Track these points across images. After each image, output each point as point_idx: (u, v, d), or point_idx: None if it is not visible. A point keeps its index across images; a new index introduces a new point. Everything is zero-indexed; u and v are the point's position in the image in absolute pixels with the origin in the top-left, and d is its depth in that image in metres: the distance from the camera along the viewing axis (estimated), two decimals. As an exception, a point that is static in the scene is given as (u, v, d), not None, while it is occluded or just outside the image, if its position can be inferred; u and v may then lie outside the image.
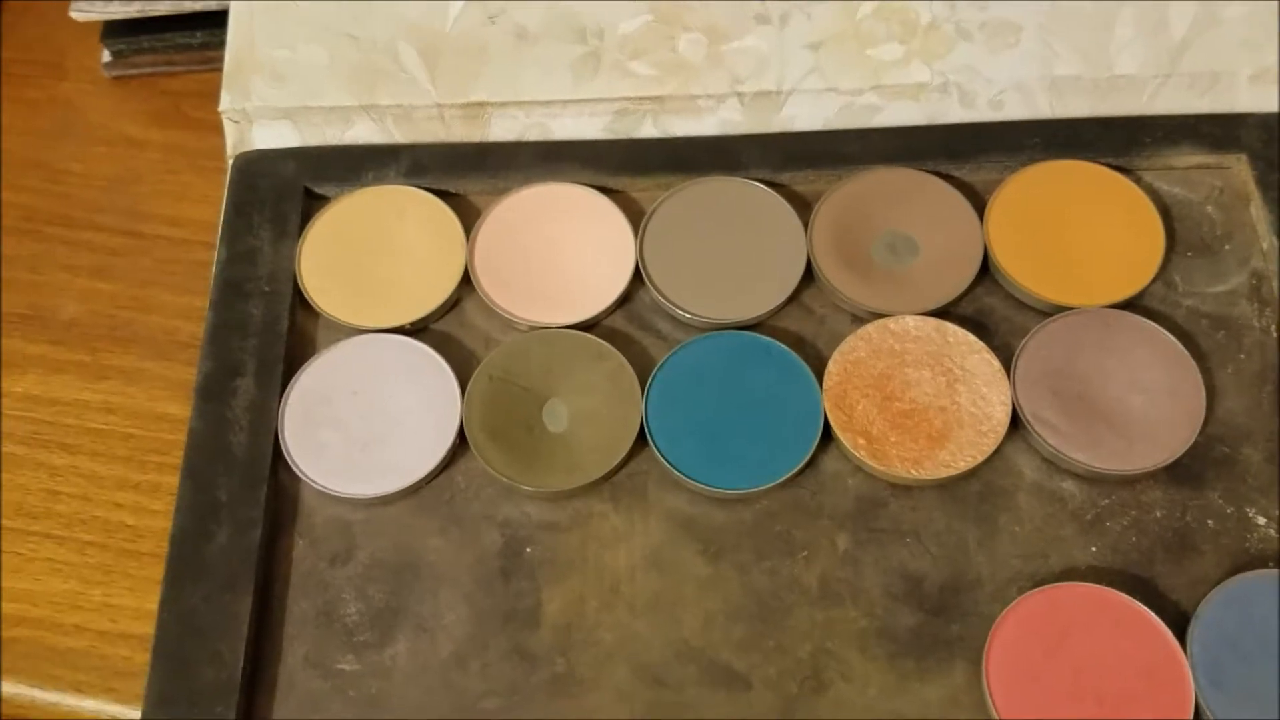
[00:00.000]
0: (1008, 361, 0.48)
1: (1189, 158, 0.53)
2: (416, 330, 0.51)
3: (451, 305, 0.51)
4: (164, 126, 0.61)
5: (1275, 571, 0.44)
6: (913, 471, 0.46)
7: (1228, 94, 0.54)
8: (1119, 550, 0.46)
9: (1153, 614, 0.43)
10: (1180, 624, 0.43)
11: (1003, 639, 0.43)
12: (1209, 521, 0.46)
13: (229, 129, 0.55)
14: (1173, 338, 0.48)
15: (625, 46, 0.55)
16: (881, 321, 0.49)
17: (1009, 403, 0.47)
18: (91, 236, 0.57)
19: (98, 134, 0.61)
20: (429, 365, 0.49)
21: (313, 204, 0.53)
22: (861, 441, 0.47)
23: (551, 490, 0.47)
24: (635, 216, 0.53)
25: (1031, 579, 0.45)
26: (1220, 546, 0.46)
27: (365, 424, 0.48)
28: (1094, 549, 0.46)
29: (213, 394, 0.48)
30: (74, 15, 0.59)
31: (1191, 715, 0.42)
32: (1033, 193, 0.52)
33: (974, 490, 0.47)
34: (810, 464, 0.47)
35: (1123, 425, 0.47)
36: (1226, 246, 0.52)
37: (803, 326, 0.51)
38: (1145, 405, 0.47)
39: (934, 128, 0.54)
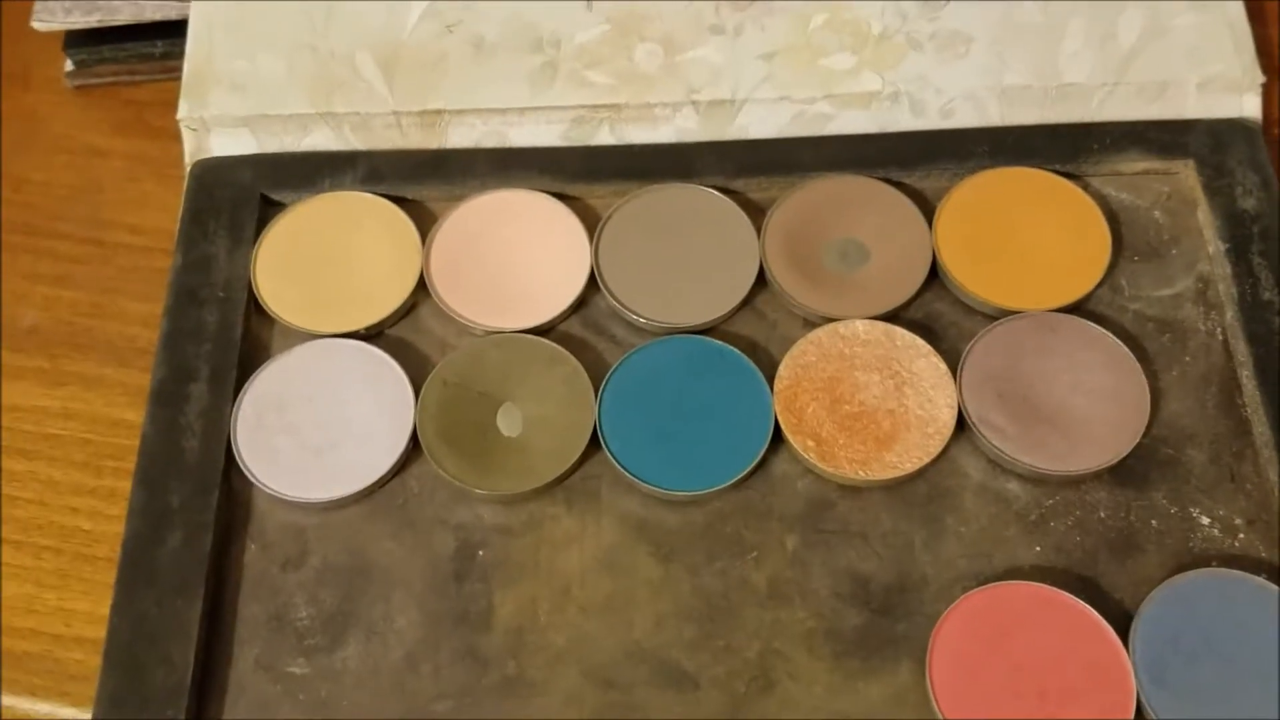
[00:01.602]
0: (955, 365, 0.49)
1: (1136, 164, 0.54)
2: (371, 336, 0.51)
3: (407, 310, 0.52)
4: (126, 135, 0.61)
5: (1218, 571, 0.45)
6: (860, 473, 0.47)
7: (1176, 102, 0.55)
8: (1063, 550, 0.46)
9: (1095, 612, 0.44)
10: (1123, 623, 0.44)
11: (946, 637, 0.44)
12: (1153, 521, 0.47)
13: (187, 137, 0.55)
14: (1117, 340, 0.49)
15: (582, 56, 0.56)
16: (832, 326, 0.50)
17: (955, 405, 0.48)
18: (54, 245, 0.58)
19: (61, 143, 0.61)
20: (383, 370, 0.50)
21: (269, 211, 0.54)
22: (811, 444, 0.47)
23: (505, 494, 0.47)
24: (591, 222, 0.53)
25: (976, 578, 0.46)
26: (1164, 546, 0.46)
27: (318, 429, 0.48)
28: (1038, 549, 0.46)
29: (166, 400, 0.49)
30: (35, 26, 0.59)
31: (1133, 713, 0.42)
32: (980, 199, 0.52)
33: (921, 491, 0.48)
34: (761, 466, 0.48)
35: (1067, 427, 0.47)
36: (1173, 251, 0.52)
37: (755, 331, 0.51)
38: (1090, 407, 0.48)
39: (884, 136, 0.54)
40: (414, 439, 0.48)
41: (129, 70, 0.61)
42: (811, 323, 0.51)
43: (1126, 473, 0.47)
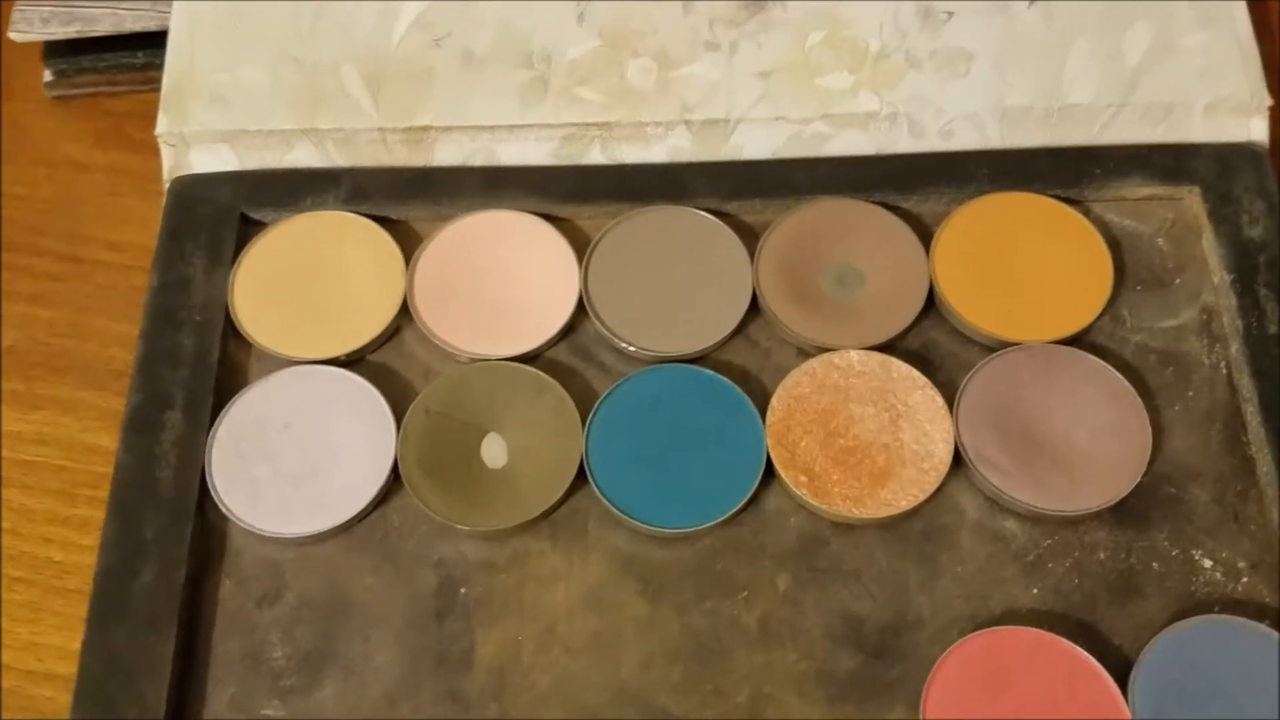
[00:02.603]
0: (951, 398, 0.47)
1: (1140, 189, 0.52)
2: (352, 361, 0.50)
3: (390, 335, 0.51)
4: (106, 148, 0.60)
5: (1221, 617, 0.44)
6: (854, 510, 0.46)
7: (1182, 124, 0.54)
8: (1061, 592, 0.45)
9: (1094, 660, 0.42)
10: (1123, 670, 0.43)
11: (941, 683, 0.43)
12: (1154, 564, 0.45)
13: (166, 152, 0.54)
14: (1119, 375, 0.48)
15: (573, 72, 0.54)
16: (826, 356, 0.49)
17: (952, 440, 0.46)
18: (31, 261, 0.56)
19: (40, 155, 0.60)
20: (364, 398, 0.48)
21: (249, 230, 0.52)
22: (803, 479, 0.46)
23: (488, 529, 0.46)
24: (581, 245, 0.52)
25: (972, 621, 0.44)
26: (1165, 590, 0.45)
27: (297, 459, 0.47)
28: (1036, 591, 0.45)
29: (141, 427, 0.47)
30: (12, 36, 0.58)
31: (1132, 764, 0.41)
32: (980, 225, 0.51)
33: (916, 529, 0.46)
34: (752, 502, 0.46)
35: (1066, 464, 0.46)
36: (1177, 280, 0.51)
37: (748, 360, 0.50)
38: (1090, 444, 0.46)
39: (882, 158, 0.53)
40: (395, 470, 0.47)
41: (109, 81, 0.60)
42: (806, 352, 0.49)
43: (1127, 512, 0.46)
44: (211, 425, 0.48)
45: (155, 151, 0.55)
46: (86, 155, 0.59)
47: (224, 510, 0.46)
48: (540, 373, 0.49)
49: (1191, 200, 0.52)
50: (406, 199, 0.53)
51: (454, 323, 0.50)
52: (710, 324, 0.50)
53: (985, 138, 0.53)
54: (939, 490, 0.46)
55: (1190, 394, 0.49)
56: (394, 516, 0.47)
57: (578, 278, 0.51)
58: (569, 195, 0.53)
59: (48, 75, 0.60)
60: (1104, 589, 0.45)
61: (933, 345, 0.50)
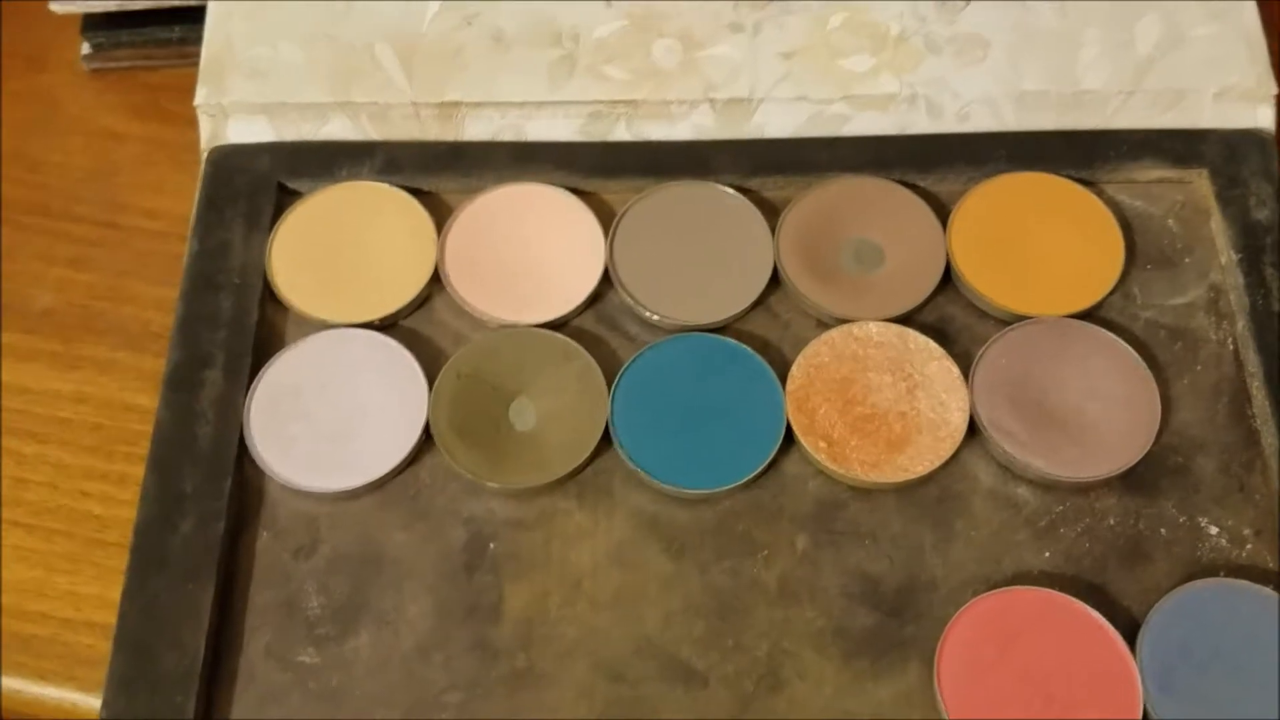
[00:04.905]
0: (967, 369, 0.49)
1: (1151, 172, 0.54)
2: (386, 326, 0.51)
3: (421, 302, 0.52)
4: (143, 120, 0.61)
5: (1226, 581, 0.45)
6: (871, 475, 0.47)
7: (1191, 111, 0.55)
8: (1072, 556, 0.46)
9: (1104, 619, 0.44)
10: (1131, 630, 0.44)
11: (955, 640, 0.44)
12: (1161, 530, 0.47)
13: (204, 123, 0.55)
14: (1129, 348, 0.49)
15: (600, 51, 0.56)
16: (845, 327, 0.50)
17: (967, 409, 0.48)
18: (69, 227, 0.58)
19: (77, 126, 0.61)
20: (397, 361, 0.50)
21: (286, 199, 0.54)
22: (822, 445, 0.48)
23: (517, 487, 0.48)
24: (606, 218, 0.53)
25: (985, 582, 0.46)
26: (1172, 555, 0.47)
27: (332, 419, 0.49)
28: (1047, 554, 0.47)
29: (180, 385, 0.49)
30: (53, 8, 0.59)
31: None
32: (996, 204, 0.53)
33: (931, 495, 0.48)
34: (772, 466, 0.48)
35: (1078, 433, 0.48)
36: (1186, 260, 0.53)
37: (768, 330, 0.51)
38: (1101, 414, 0.48)
39: (901, 138, 0.55)
40: (427, 431, 0.48)
41: (145, 55, 0.62)
42: (824, 324, 0.51)
43: (1136, 480, 0.48)
44: (250, 384, 0.49)
45: (189, 123, 0.56)
46: (123, 126, 0.61)
47: (262, 465, 0.48)
48: (568, 339, 0.50)
49: (1200, 183, 0.54)
50: (438, 171, 0.54)
51: (484, 291, 0.52)
52: (732, 295, 0.51)
53: (1001, 121, 0.55)
54: (954, 457, 0.48)
55: (1198, 368, 0.50)
56: (425, 475, 0.48)
57: (604, 249, 0.52)
58: (595, 170, 0.54)
59: (85, 48, 0.62)
60: (1113, 553, 0.47)
61: (949, 319, 0.51)
